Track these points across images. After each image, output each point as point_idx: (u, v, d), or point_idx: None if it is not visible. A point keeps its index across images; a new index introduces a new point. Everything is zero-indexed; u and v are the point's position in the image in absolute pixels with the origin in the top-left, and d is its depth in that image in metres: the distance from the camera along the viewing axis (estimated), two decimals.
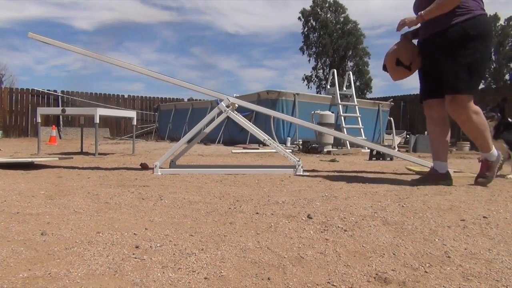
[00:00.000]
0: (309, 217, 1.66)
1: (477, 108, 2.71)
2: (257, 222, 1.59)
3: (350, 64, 27.69)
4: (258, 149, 7.19)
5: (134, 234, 1.38)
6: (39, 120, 5.73)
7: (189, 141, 3.72)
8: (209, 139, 9.66)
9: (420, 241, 1.37)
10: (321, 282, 1.01)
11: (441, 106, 2.80)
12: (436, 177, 2.79)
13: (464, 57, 2.56)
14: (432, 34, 2.69)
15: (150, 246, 1.25)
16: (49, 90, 14.54)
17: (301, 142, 7.52)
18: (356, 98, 9.78)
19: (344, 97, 9.59)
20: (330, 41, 27.03)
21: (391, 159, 5.34)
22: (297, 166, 3.40)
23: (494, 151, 2.80)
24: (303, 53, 28.57)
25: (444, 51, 2.61)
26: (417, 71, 2.87)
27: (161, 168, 3.27)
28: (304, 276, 1.04)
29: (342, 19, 27.49)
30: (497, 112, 3.43)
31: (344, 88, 10.01)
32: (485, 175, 2.77)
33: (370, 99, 14.77)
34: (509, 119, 3.43)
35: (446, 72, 2.64)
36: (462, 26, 2.55)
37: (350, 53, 27.46)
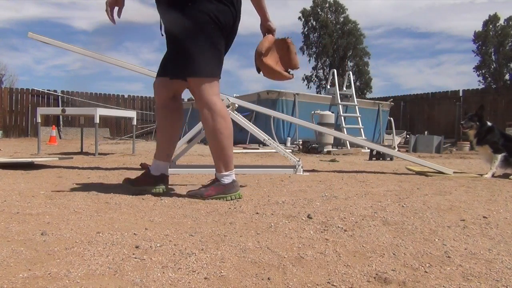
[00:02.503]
0: (309, 217, 1.66)
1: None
2: (257, 222, 1.59)
3: (350, 64, 27.72)
4: (258, 149, 7.19)
5: (134, 234, 1.38)
6: (39, 120, 5.73)
7: (189, 141, 3.72)
8: None
9: (420, 241, 1.37)
10: (321, 282, 1.00)
11: (166, 88, 2.19)
12: (146, 180, 2.20)
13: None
14: None
15: (150, 246, 1.24)
16: (49, 90, 14.54)
17: (301, 142, 7.52)
18: (356, 98, 9.79)
19: (344, 97, 9.59)
20: (330, 41, 27.05)
21: (391, 159, 5.34)
22: (297, 166, 3.40)
23: (225, 178, 2.08)
24: (303, 53, 28.60)
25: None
26: None
27: None
28: (304, 276, 1.04)
29: (342, 19, 27.51)
30: (476, 121, 3.54)
31: (344, 88, 10.02)
32: (199, 188, 2.15)
33: (370, 99, 14.78)
34: (489, 123, 3.51)
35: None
36: None
37: (350, 53, 27.47)
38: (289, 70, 2.36)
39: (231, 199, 2.06)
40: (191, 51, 1.99)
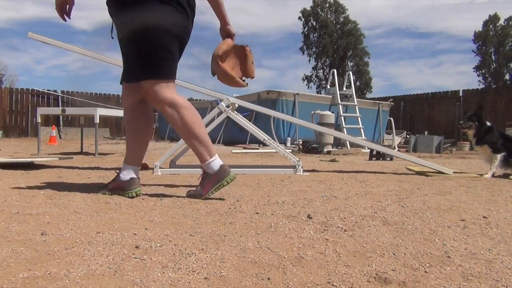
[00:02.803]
0: (309, 217, 1.66)
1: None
2: (257, 222, 1.59)
3: (350, 64, 27.73)
4: (258, 149, 7.19)
5: (134, 234, 1.38)
6: (39, 120, 5.73)
7: None
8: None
9: (420, 241, 1.37)
10: (321, 282, 1.00)
11: (132, 92, 2.17)
12: (118, 185, 2.14)
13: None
14: None
15: (150, 246, 1.24)
16: (49, 90, 14.54)
17: (301, 142, 7.52)
18: (356, 98, 9.78)
19: (344, 97, 9.59)
20: (330, 41, 27.05)
21: (391, 159, 5.34)
22: (297, 166, 3.40)
23: (213, 164, 2.06)
24: (303, 53, 28.63)
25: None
26: None
27: (161, 168, 3.27)
28: (304, 276, 1.04)
29: (342, 19, 27.52)
30: (474, 121, 3.55)
31: (344, 88, 10.01)
32: (196, 187, 2.13)
33: (370, 99, 14.78)
34: (488, 123, 3.52)
35: None
36: None
37: (350, 53, 27.48)
38: (244, 78, 2.36)
39: (228, 183, 2.05)
40: (143, 54, 1.98)
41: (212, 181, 2.05)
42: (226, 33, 2.28)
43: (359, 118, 9.21)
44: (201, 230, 1.45)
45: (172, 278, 1.01)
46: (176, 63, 2.09)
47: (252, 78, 2.38)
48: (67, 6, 2.12)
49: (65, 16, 2.13)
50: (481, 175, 3.44)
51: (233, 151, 6.72)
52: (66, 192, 2.18)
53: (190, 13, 2.08)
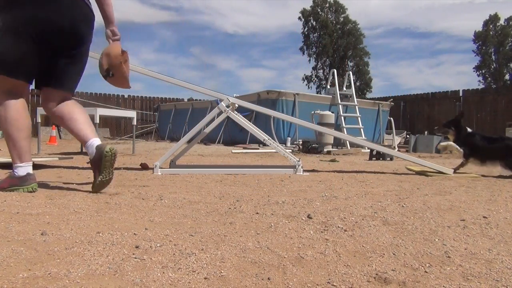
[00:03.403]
0: (309, 217, 1.66)
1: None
2: (257, 222, 1.59)
3: (350, 64, 27.74)
4: (258, 149, 7.19)
5: (134, 234, 1.38)
6: (39, 120, 5.73)
7: (189, 141, 3.72)
8: (209, 139, 9.67)
9: (420, 241, 1.37)
10: (321, 282, 1.00)
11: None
12: (12, 181, 2.14)
13: None
14: None
15: (150, 246, 1.24)
16: None
17: (301, 142, 7.52)
18: (356, 98, 9.79)
19: (344, 97, 9.60)
20: (330, 41, 27.07)
21: (391, 159, 5.34)
22: (297, 166, 3.40)
23: (20, 168, 2.11)
24: (303, 53, 28.66)
25: None
26: None
27: (161, 168, 3.27)
28: (304, 276, 1.04)
29: (342, 19, 27.54)
30: (450, 127, 3.66)
31: (344, 88, 10.02)
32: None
33: (370, 99, 14.78)
34: (468, 129, 3.65)
35: None
36: None
37: (350, 53, 27.49)
38: None
39: (25, 191, 2.10)
40: None
41: (11, 181, 2.12)
42: (114, 34, 2.30)
43: (359, 118, 9.21)
44: (201, 230, 1.45)
45: (172, 278, 1.01)
46: (24, 60, 2.07)
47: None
48: None
49: None
50: (482, 175, 3.44)
51: (233, 151, 6.72)
52: (66, 192, 2.18)
53: (55, 15, 2.06)
